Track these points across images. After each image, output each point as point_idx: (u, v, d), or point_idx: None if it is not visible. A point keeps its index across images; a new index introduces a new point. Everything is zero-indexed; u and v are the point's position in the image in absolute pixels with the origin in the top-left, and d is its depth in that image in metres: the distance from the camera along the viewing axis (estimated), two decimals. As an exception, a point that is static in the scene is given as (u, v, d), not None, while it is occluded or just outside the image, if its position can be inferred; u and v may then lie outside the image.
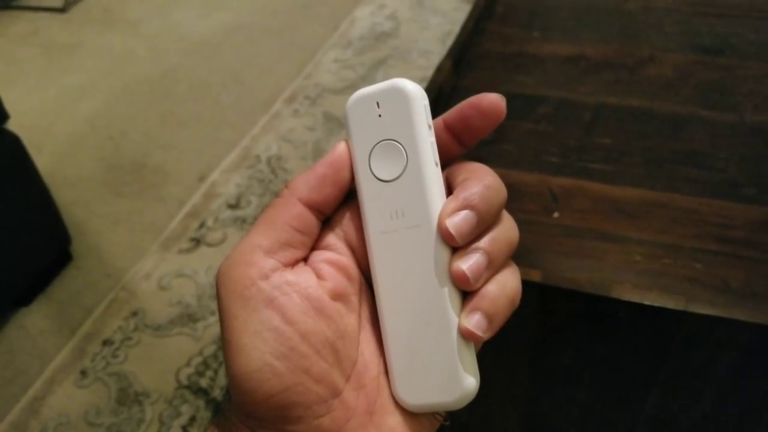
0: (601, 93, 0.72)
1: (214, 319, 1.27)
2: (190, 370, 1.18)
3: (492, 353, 0.45)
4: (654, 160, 0.63)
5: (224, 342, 0.27)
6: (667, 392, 0.58)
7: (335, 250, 0.29)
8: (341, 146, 0.29)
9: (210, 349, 1.21)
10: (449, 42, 1.97)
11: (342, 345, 0.27)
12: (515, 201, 0.59)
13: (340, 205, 0.30)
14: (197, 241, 1.44)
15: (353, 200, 0.30)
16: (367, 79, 1.90)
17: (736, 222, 0.56)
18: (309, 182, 0.28)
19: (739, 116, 0.68)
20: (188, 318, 1.27)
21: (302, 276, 0.27)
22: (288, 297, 0.26)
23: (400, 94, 0.28)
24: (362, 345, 0.28)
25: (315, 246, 0.29)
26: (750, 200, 0.58)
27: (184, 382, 1.16)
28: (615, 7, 0.87)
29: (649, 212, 0.58)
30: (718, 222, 0.57)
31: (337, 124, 1.75)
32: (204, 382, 1.15)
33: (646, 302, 0.50)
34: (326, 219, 0.30)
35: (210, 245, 1.43)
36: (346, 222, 0.29)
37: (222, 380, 1.16)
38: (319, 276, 0.28)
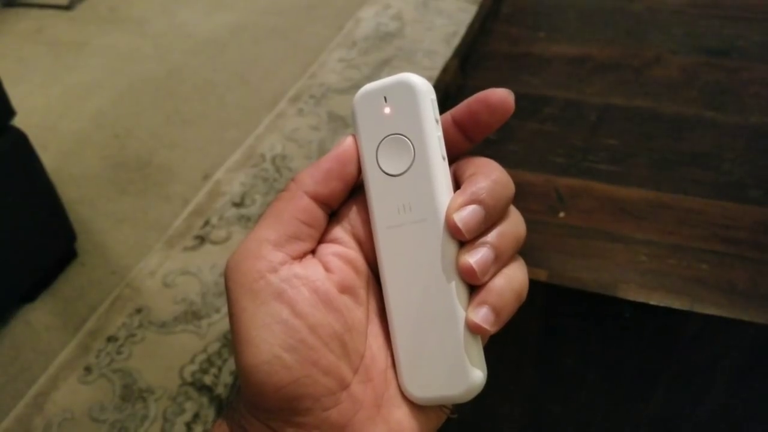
0: (607, 94, 0.72)
1: (218, 316, 1.27)
2: (194, 367, 1.18)
3: (497, 352, 0.45)
4: (660, 161, 0.63)
5: (233, 335, 0.27)
6: (671, 392, 0.58)
7: (343, 244, 0.29)
8: (348, 140, 0.29)
9: (214, 347, 1.21)
10: (454, 43, 1.97)
11: (350, 338, 0.27)
12: (521, 201, 0.59)
13: (347, 198, 0.30)
14: (202, 239, 1.45)
15: (360, 194, 0.30)
16: (371, 79, 1.89)
17: (742, 223, 0.57)
18: (315, 176, 0.28)
19: (744, 118, 0.68)
20: (192, 315, 1.28)
21: (310, 269, 0.27)
22: (296, 290, 0.27)
23: (408, 89, 0.28)
24: (370, 338, 0.29)
25: (322, 239, 0.29)
26: (755, 201, 0.58)
27: (188, 379, 1.16)
28: (621, 9, 0.87)
29: (654, 213, 0.58)
30: (724, 223, 0.57)
31: (342, 124, 1.75)
32: (208, 380, 1.16)
33: (652, 302, 0.51)
34: (333, 212, 0.30)
35: (214, 243, 1.44)
36: (353, 216, 0.29)
37: (226, 377, 1.16)
38: (327, 269, 0.28)
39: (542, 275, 0.53)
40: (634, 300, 0.51)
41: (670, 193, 0.60)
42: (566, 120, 0.69)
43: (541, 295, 0.54)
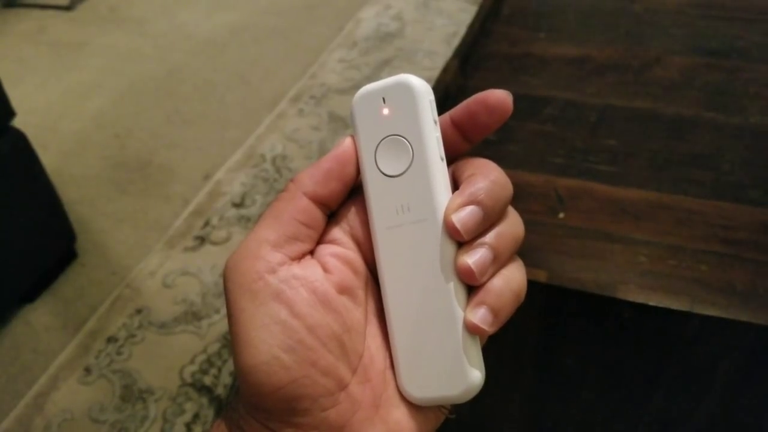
0: (607, 94, 0.72)
1: (218, 317, 1.27)
2: (194, 367, 1.18)
3: (497, 352, 0.45)
4: (659, 162, 0.63)
5: (232, 335, 0.27)
6: (671, 393, 0.58)
7: (341, 245, 0.29)
8: (347, 141, 0.29)
9: (214, 347, 1.21)
10: (454, 43, 1.98)
11: (348, 338, 0.27)
12: (521, 201, 0.59)
13: (346, 199, 0.30)
14: (202, 240, 1.45)
15: (359, 195, 0.30)
16: (372, 80, 1.91)
17: (741, 224, 0.57)
18: (314, 177, 0.28)
19: (744, 118, 0.68)
20: (193, 316, 1.28)
21: (309, 270, 0.27)
22: (295, 291, 0.27)
23: (406, 90, 0.28)
24: (368, 339, 0.29)
25: (321, 240, 0.29)
26: (755, 202, 0.58)
27: (188, 379, 1.16)
28: (621, 9, 0.87)
29: (654, 214, 0.58)
30: (723, 224, 0.57)
31: (342, 124, 1.75)
32: (208, 380, 1.16)
33: (651, 303, 0.51)
34: (332, 213, 0.30)
35: (215, 243, 1.44)
36: (352, 216, 0.29)
37: (226, 378, 1.16)
38: (325, 269, 0.28)
39: (542, 276, 0.53)
40: (634, 301, 0.51)
41: (669, 193, 0.60)
42: (566, 121, 0.69)
43: (540, 296, 0.54)
